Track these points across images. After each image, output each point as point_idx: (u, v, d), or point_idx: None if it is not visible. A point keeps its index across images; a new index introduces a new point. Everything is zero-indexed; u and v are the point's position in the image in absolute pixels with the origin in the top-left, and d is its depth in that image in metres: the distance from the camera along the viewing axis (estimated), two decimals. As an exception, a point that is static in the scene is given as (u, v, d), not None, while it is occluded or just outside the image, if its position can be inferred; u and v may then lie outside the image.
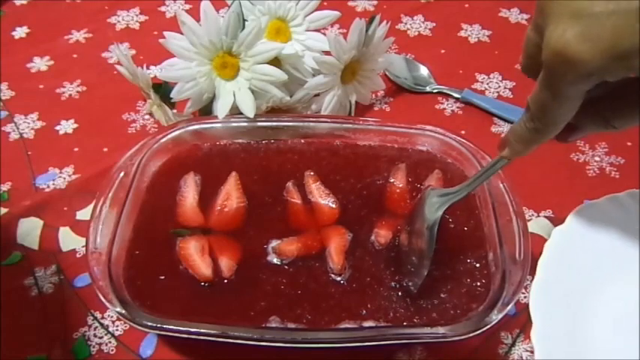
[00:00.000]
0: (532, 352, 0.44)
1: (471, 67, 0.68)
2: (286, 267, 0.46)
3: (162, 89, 0.57)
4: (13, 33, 0.73)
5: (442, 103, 0.65)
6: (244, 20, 0.53)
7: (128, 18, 0.75)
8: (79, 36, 0.73)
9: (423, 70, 0.67)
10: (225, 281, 0.45)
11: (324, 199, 0.50)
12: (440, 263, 0.46)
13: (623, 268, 0.45)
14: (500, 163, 0.40)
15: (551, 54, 0.30)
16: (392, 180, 0.51)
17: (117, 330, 0.47)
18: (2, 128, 0.62)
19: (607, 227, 0.45)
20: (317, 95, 0.57)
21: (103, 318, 0.47)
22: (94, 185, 0.50)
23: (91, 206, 0.47)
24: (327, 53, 0.55)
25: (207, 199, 0.50)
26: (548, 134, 0.35)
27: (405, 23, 0.74)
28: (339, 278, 0.45)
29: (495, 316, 0.40)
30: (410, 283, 0.44)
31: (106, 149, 0.59)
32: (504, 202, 0.47)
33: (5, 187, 0.56)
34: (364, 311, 0.43)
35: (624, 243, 0.45)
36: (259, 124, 0.54)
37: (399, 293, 0.44)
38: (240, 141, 0.55)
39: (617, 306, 0.43)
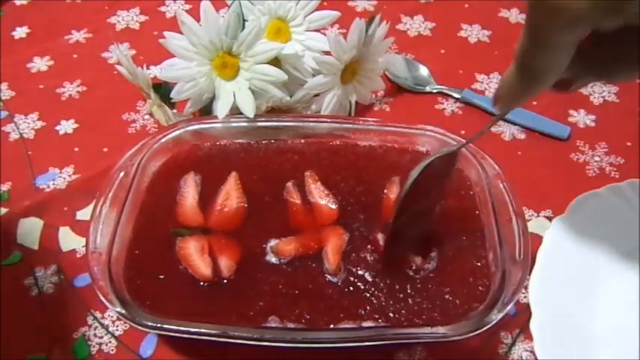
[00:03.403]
0: (532, 352, 0.45)
1: (470, 67, 0.68)
2: (284, 267, 0.46)
3: (162, 89, 0.57)
4: (13, 33, 0.73)
5: (442, 103, 0.65)
6: (244, 20, 0.54)
7: (128, 18, 0.75)
8: (79, 36, 0.73)
9: (423, 70, 0.67)
10: (225, 281, 0.45)
11: (323, 200, 0.50)
12: (440, 263, 0.46)
13: (623, 258, 0.44)
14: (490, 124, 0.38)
15: None
16: (387, 193, 0.50)
17: (117, 330, 0.47)
18: (2, 128, 0.62)
19: (607, 216, 0.45)
20: (317, 95, 0.57)
21: (103, 318, 0.47)
22: (94, 185, 0.50)
23: (91, 206, 0.47)
24: (327, 53, 0.55)
25: (207, 199, 0.50)
26: (538, 87, 0.31)
27: (405, 23, 0.74)
28: (334, 279, 0.45)
29: (495, 316, 0.40)
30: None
31: (106, 149, 0.59)
32: (504, 202, 0.47)
33: (5, 187, 0.56)
34: (362, 311, 0.43)
35: (624, 232, 0.45)
36: (259, 124, 0.54)
37: (398, 293, 0.44)
38: (240, 141, 0.55)
39: (619, 295, 0.43)
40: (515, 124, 0.62)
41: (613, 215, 0.45)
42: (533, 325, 0.41)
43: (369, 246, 0.47)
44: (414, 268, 0.45)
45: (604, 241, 0.44)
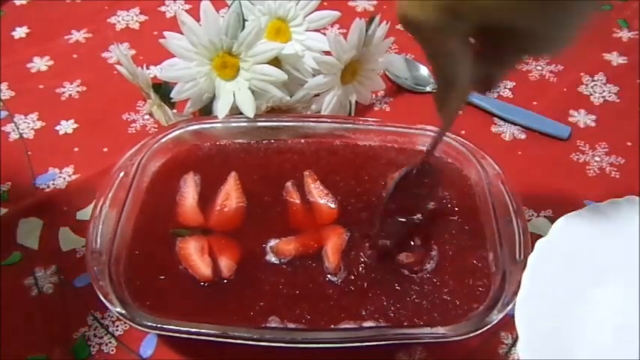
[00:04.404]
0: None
1: (471, 67, 0.68)
2: (284, 266, 0.46)
3: (162, 89, 0.57)
4: (13, 33, 0.73)
5: (442, 103, 0.64)
6: (244, 20, 0.53)
7: (128, 18, 0.75)
8: (79, 36, 0.73)
9: (423, 70, 0.67)
10: (225, 281, 0.45)
11: (322, 199, 0.50)
12: (440, 263, 0.46)
13: (607, 278, 0.44)
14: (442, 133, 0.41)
15: (399, 20, 0.31)
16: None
17: (117, 330, 0.47)
18: (2, 128, 0.62)
19: (590, 237, 0.45)
20: (317, 95, 0.57)
21: (103, 318, 0.47)
22: (94, 185, 0.50)
23: (91, 206, 0.47)
24: (327, 53, 0.55)
25: (206, 199, 0.50)
26: (454, 89, 0.35)
27: (405, 23, 0.74)
28: (334, 278, 0.45)
29: (495, 316, 0.40)
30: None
31: (106, 149, 0.59)
32: (504, 202, 0.47)
33: (5, 187, 0.56)
34: (363, 311, 0.43)
35: (607, 252, 0.45)
36: (259, 124, 0.54)
37: (399, 294, 0.44)
38: (240, 141, 0.55)
39: (604, 316, 0.43)
40: (515, 124, 0.62)
41: (595, 235, 0.45)
42: (521, 350, 0.41)
43: (368, 245, 0.47)
44: (405, 263, 0.45)
45: (587, 262, 0.45)
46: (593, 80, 0.67)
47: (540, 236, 0.51)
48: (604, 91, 0.65)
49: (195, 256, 0.45)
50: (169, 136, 0.53)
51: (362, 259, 0.46)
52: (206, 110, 0.56)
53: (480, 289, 0.44)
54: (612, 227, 0.45)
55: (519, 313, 0.41)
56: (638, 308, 0.43)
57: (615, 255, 0.45)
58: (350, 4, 0.77)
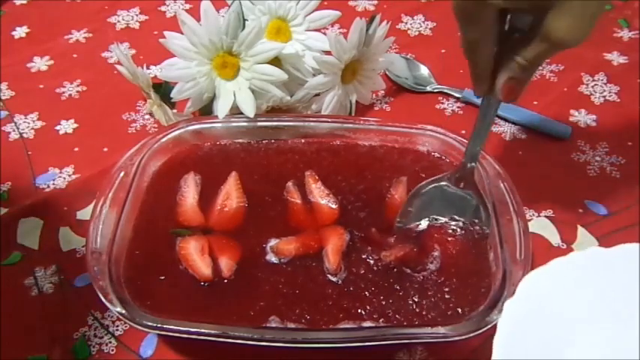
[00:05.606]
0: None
1: (471, 66, 0.68)
2: (284, 266, 0.46)
3: (163, 89, 0.57)
4: (13, 33, 0.73)
5: (442, 103, 0.64)
6: (244, 20, 0.53)
7: (128, 18, 0.75)
8: (79, 36, 0.73)
9: (424, 70, 0.67)
10: (225, 281, 0.45)
11: (323, 199, 0.50)
12: (440, 263, 0.46)
13: (581, 333, 0.43)
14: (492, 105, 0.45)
15: (453, 7, 0.37)
16: (393, 193, 0.50)
17: (117, 330, 0.47)
18: (2, 128, 0.62)
19: (559, 293, 0.44)
20: (317, 95, 0.57)
21: (103, 318, 0.47)
22: (94, 185, 0.50)
23: (91, 206, 0.47)
24: (328, 53, 0.55)
25: (207, 199, 0.50)
26: (482, 65, 0.42)
27: (406, 23, 0.74)
28: (335, 278, 0.45)
29: (496, 316, 0.40)
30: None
31: (106, 149, 0.59)
32: (505, 202, 0.47)
33: (5, 187, 0.56)
34: (363, 311, 0.43)
35: (579, 307, 0.44)
36: (259, 123, 0.54)
37: (399, 293, 0.44)
38: (240, 141, 0.55)
39: None
40: (516, 123, 0.62)
41: (566, 291, 0.44)
42: None
43: (369, 246, 0.47)
44: (398, 257, 0.45)
45: (561, 319, 0.44)
46: (594, 80, 0.66)
47: (541, 236, 0.51)
48: (604, 90, 0.65)
49: (195, 255, 0.45)
50: (169, 136, 0.53)
51: (362, 259, 0.46)
52: (206, 110, 0.56)
53: (481, 288, 0.44)
54: (581, 280, 0.44)
55: None
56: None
57: (588, 309, 0.44)
58: (350, 3, 0.77)
